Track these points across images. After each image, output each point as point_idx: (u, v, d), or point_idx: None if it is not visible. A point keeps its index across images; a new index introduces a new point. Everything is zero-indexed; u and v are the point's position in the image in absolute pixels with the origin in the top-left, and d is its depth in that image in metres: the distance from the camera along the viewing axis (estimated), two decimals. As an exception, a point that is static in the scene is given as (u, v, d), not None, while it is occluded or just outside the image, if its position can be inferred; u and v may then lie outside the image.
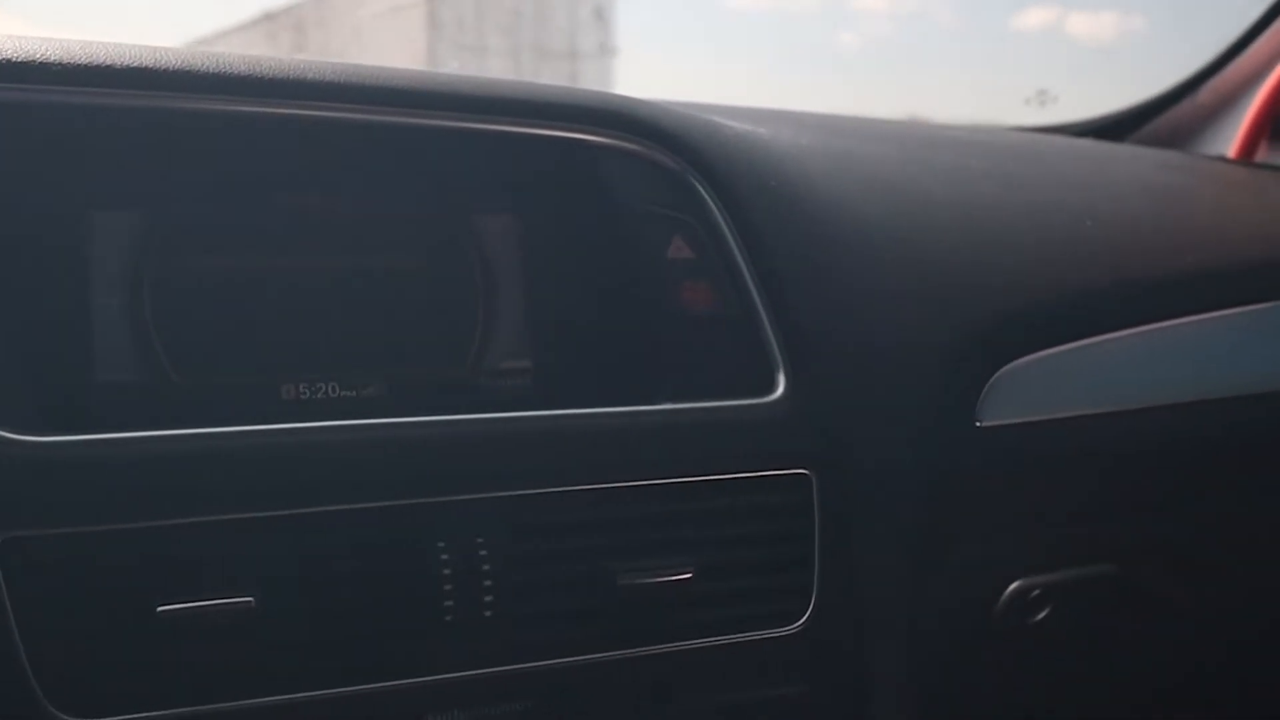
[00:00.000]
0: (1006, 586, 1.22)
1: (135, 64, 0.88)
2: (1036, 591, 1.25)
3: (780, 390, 1.01)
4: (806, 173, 1.15)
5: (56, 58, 0.86)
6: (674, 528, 0.95)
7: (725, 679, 0.95)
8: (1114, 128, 1.99)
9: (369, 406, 0.96)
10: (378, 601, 0.86)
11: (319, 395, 0.95)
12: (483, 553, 0.89)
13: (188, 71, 0.89)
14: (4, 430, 0.79)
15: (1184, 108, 1.99)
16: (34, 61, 0.85)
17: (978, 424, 1.12)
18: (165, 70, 0.88)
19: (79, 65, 0.86)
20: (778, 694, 0.97)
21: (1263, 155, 1.92)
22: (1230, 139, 1.93)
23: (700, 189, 1.03)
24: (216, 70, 0.90)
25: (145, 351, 0.91)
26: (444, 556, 0.88)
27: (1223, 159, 1.84)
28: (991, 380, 1.14)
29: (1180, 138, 1.98)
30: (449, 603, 0.87)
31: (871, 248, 1.13)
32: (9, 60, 0.85)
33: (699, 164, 1.03)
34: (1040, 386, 1.17)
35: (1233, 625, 1.44)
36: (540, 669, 0.90)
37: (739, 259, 1.02)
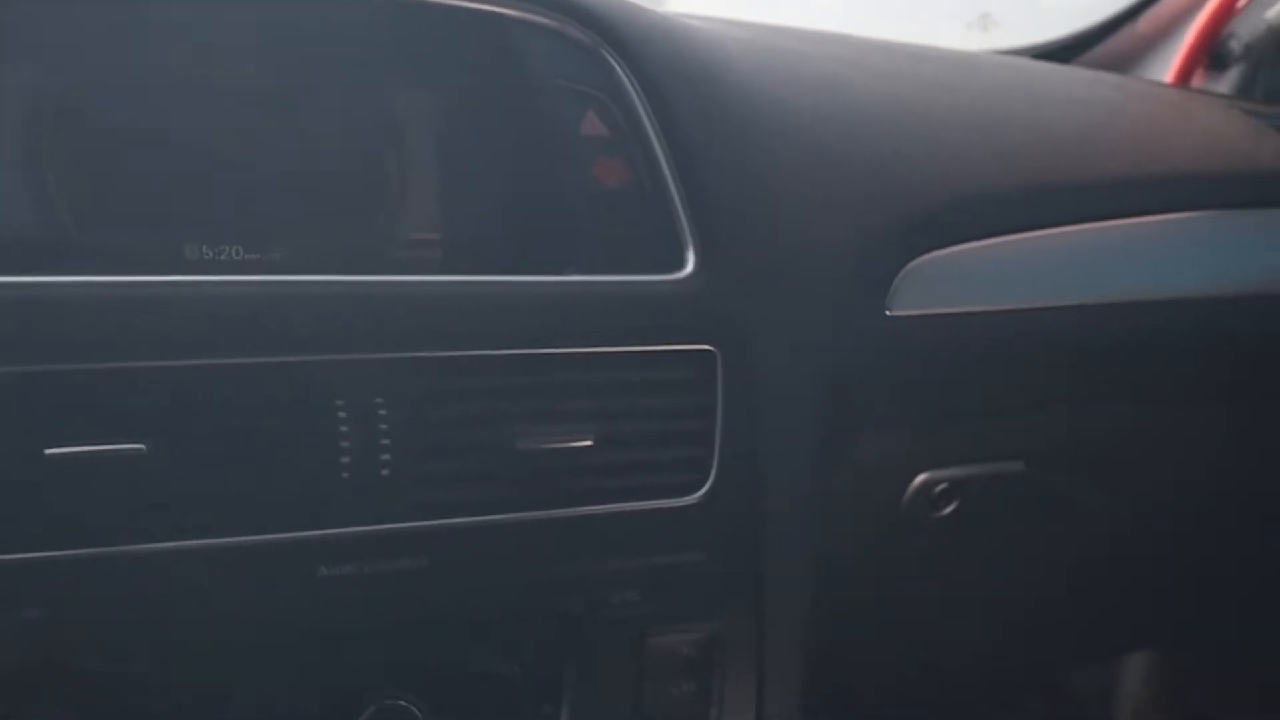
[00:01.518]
0: (913, 479, 1.23)
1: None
2: (944, 485, 1.26)
3: (689, 268, 1.00)
4: (730, 59, 1.14)
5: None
6: (577, 397, 0.95)
7: (623, 545, 0.95)
8: (1054, 54, 1.99)
9: (273, 270, 0.94)
10: (272, 456, 0.85)
11: (222, 257, 0.93)
12: (382, 412, 0.88)
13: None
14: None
15: (1123, 36, 1.99)
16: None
17: (888, 313, 1.13)
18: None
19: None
20: (676, 561, 0.97)
21: (1198, 83, 1.93)
22: (1168, 67, 1.93)
23: (615, 65, 1.01)
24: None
25: (44, 204, 0.89)
26: (341, 414, 0.87)
27: (1158, 83, 1.84)
28: (904, 271, 1.14)
29: (1119, 65, 1.98)
30: (345, 459, 0.87)
31: (792, 136, 1.12)
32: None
33: (615, 41, 1.02)
34: (952, 280, 1.17)
35: (1140, 525, 1.46)
36: (437, 528, 0.89)
37: (652, 136, 1.01)
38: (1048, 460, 1.32)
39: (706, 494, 0.98)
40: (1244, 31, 1.87)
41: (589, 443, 0.94)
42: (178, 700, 0.86)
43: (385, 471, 0.88)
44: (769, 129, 1.10)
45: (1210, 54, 1.93)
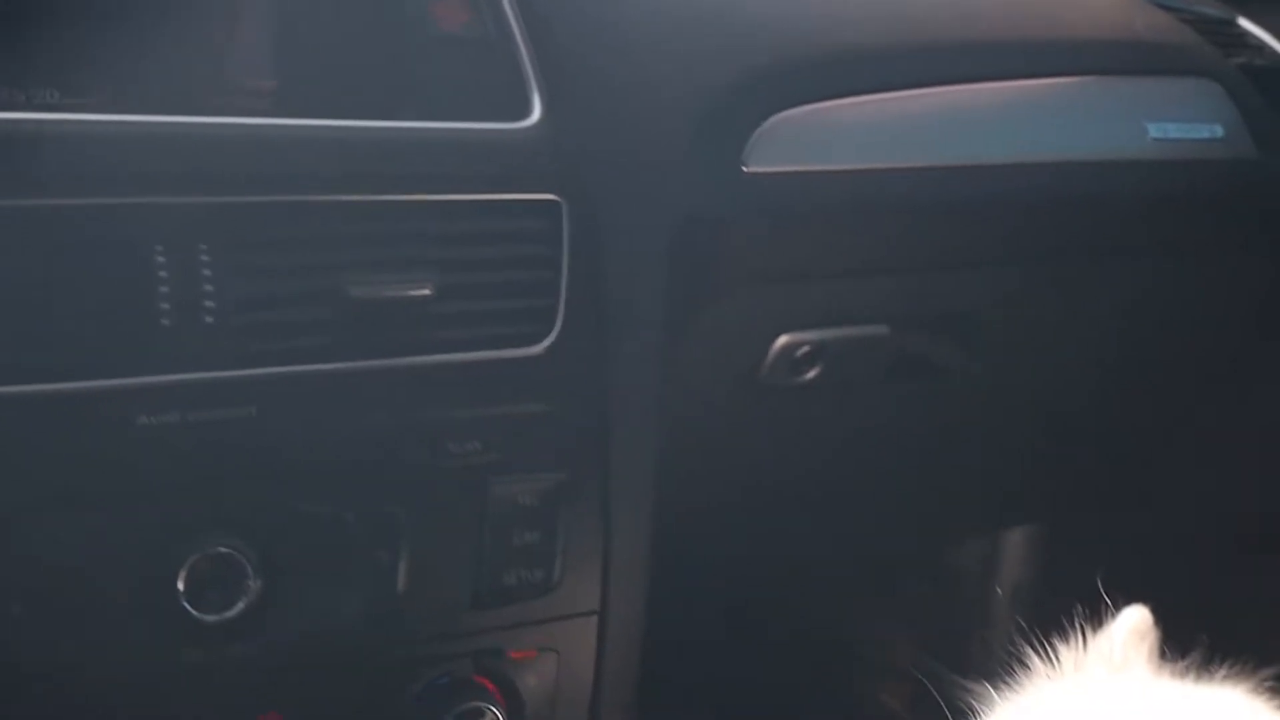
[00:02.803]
0: (774, 341, 1.22)
1: None
2: (805, 348, 1.25)
3: (535, 115, 0.97)
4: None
5: None
6: (414, 246, 0.92)
7: (465, 394, 0.93)
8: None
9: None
10: (89, 300, 0.81)
11: (37, 101, 0.89)
12: (205, 258, 0.85)
13: None
14: None
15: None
16: None
17: (744, 169, 1.11)
18: None
19: None
20: (519, 411, 0.95)
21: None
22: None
23: (456, -97, 0.98)
24: None
25: None
26: (161, 259, 0.83)
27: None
28: (762, 127, 1.11)
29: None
30: (165, 306, 0.83)
31: (647, -14, 1.09)
32: None
33: (455, -123, 0.98)
34: (814, 138, 1.15)
35: (1011, 394, 1.47)
36: (265, 377, 0.86)
37: (495, -23, 0.98)
38: (912, 324, 1.32)
39: (551, 345, 0.96)
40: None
41: (427, 292, 0.91)
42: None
43: (209, 319, 0.84)
44: (623, -22, 1.07)
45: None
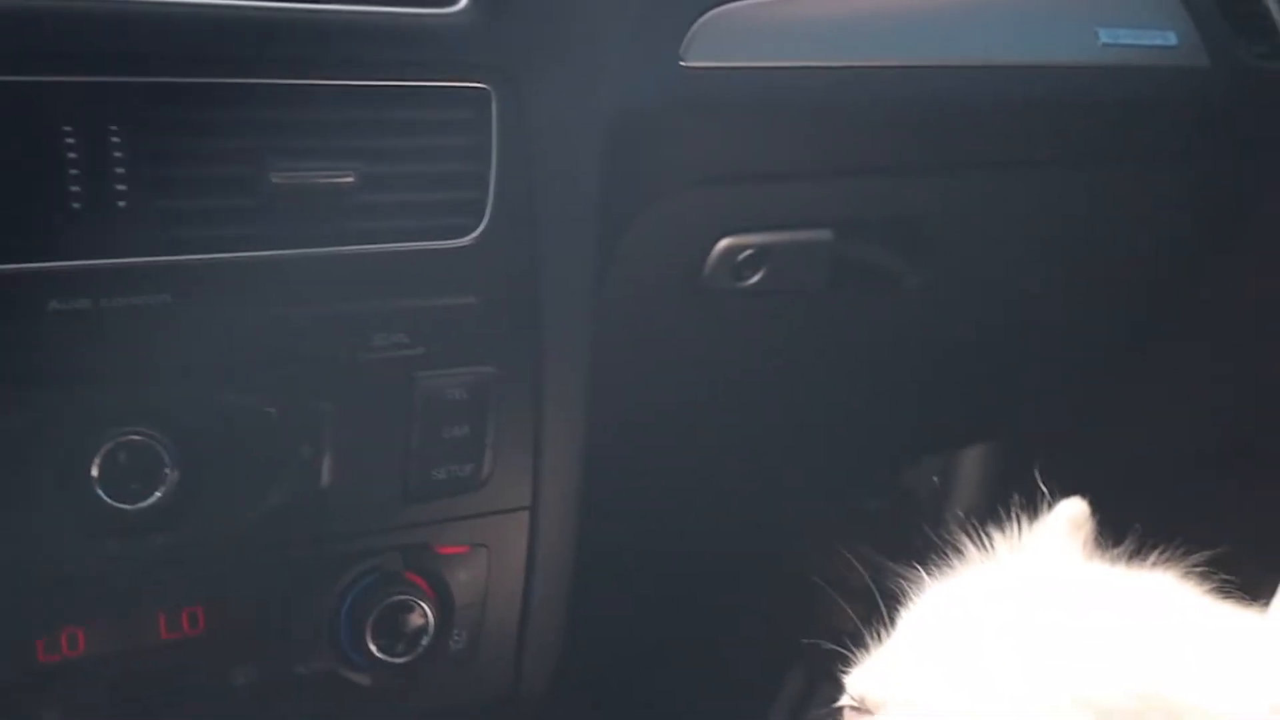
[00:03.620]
0: (716, 243, 1.21)
1: None
2: (749, 252, 1.23)
3: (464, 1, 0.95)
4: None
5: None
6: (338, 133, 0.89)
7: (390, 286, 0.90)
8: None
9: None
10: (-3, 183, 0.79)
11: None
12: (116, 140, 0.82)
13: None
14: None
15: None
16: None
17: (681, 64, 1.08)
18: None
19: None
20: (446, 304, 0.93)
21: None
22: None
23: None
24: None
25: None
26: (70, 141, 0.80)
27: None
28: (702, 19, 1.08)
29: None
30: (75, 188, 0.80)
31: None
32: None
33: None
34: (751, 32, 1.12)
35: (961, 305, 1.45)
36: (182, 264, 0.84)
37: None
38: (857, 230, 1.30)
39: (479, 237, 0.93)
40: None
41: (350, 180, 0.88)
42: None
43: (121, 203, 0.82)
44: None
45: None
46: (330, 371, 0.89)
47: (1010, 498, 0.94)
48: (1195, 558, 0.87)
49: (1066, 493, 0.97)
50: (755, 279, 1.24)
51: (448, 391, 0.92)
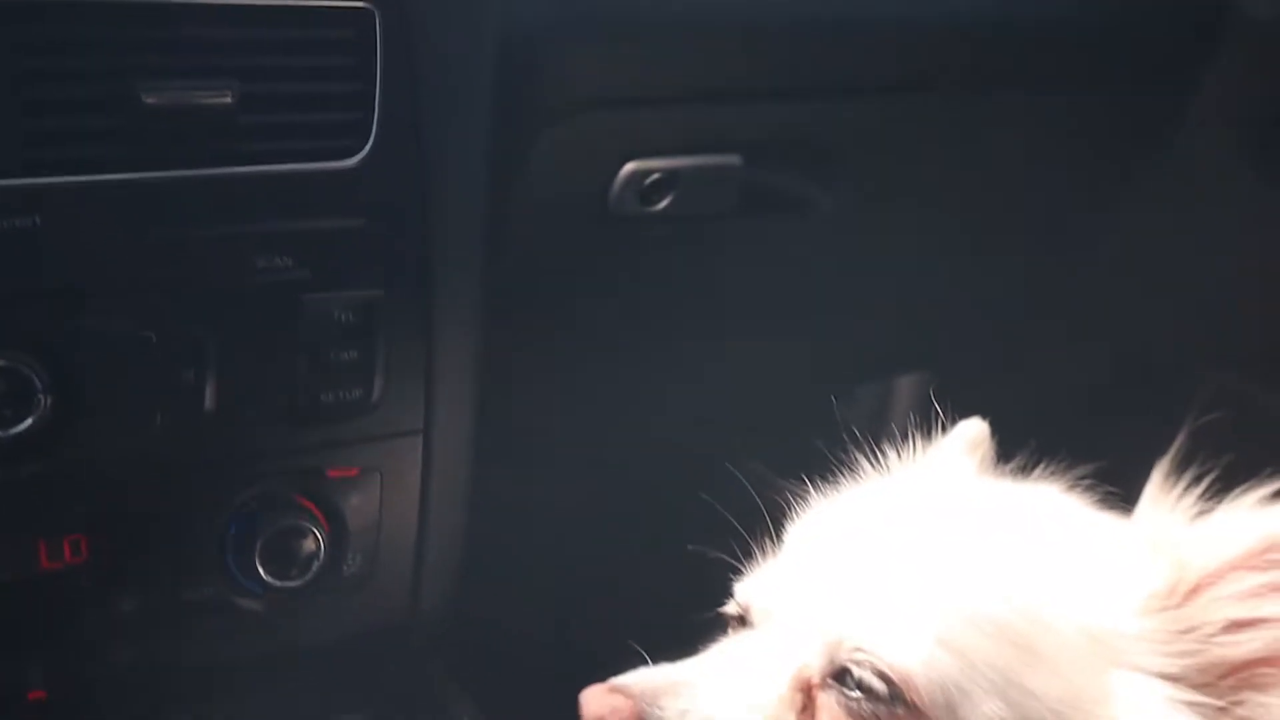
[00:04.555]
0: (621, 167, 1.18)
1: None
2: (656, 176, 1.21)
3: (343, -82, 0.92)
4: None
5: None
6: (214, 52, 0.86)
7: (273, 208, 0.88)
8: None
9: None
10: None
11: None
12: (-21, 59, 0.79)
13: None
14: None
15: None
16: None
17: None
18: None
19: None
20: (332, 226, 0.90)
21: None
22: None
23: None
24: None
25: None
26: (-74, 59, 0.78)
27: None
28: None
29: None
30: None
31: None
32: None
33: None
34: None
35: (875, 229, 1.44)
36: (50, 186, 0.81)
37: None
38: (765, 155, 1.28)
39: (365, 159, 0.91)
40: None
41: (228, 101, 0.86)
42: None
43: (-15, 125, 0.79)
44: None
45: None
46: (212, 295, 0.87)
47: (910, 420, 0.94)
48: (1080, 471, 0.87)
49: (979, 417, 0.96)
50: (664, 204, 1.23)
51: (335, 315, 0.91)
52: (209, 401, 0.88)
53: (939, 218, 1.48)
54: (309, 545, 0.91)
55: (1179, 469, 0.72)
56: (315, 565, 0.91)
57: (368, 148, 0.91)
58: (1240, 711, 0.65)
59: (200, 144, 0.86)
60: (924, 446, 0.93)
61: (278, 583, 0.90)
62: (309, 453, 0.92)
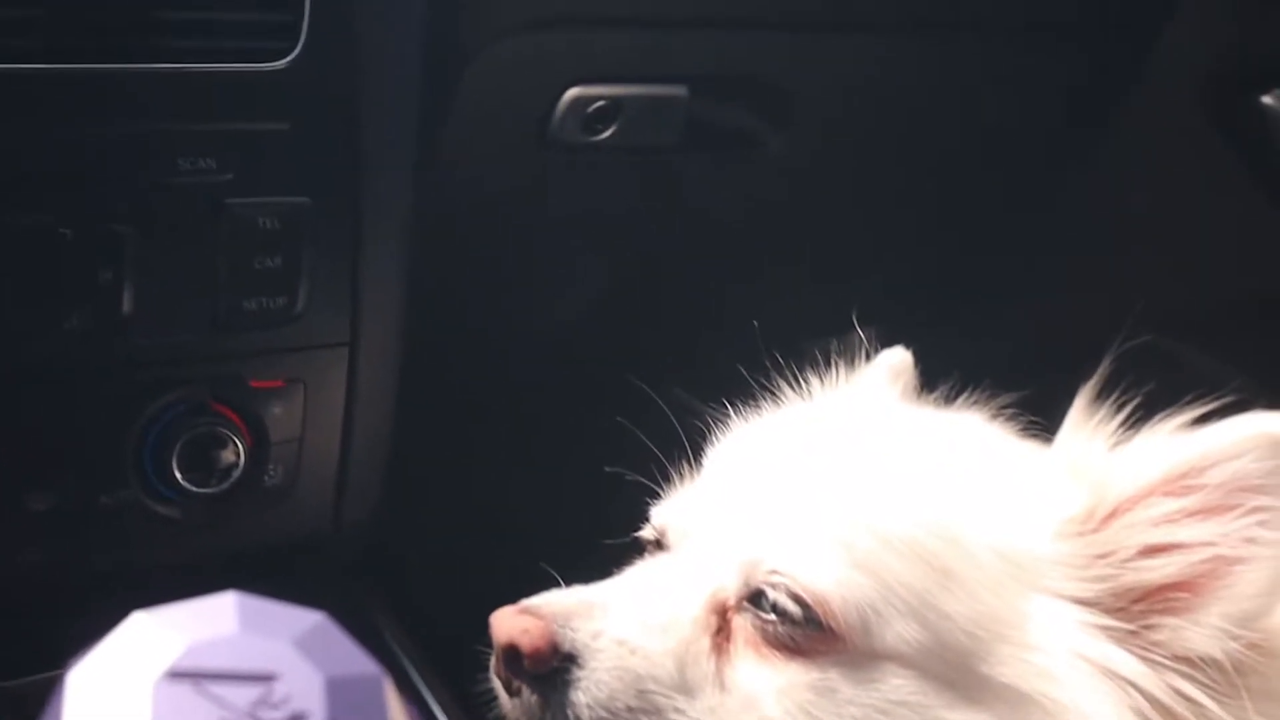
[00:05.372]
0: (563, 93, 1.15)
1: None
2: (600, 103, 1.18)
3: None
4: None
5: None
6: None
7: (198, 108, 0.85)
8: None
9: None
10: None
11: None
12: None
13: None
14: None
15: None
16: None
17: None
18: None
19: None
20: (258, 129, 0.87)
21: None
22: None
23: None
24: None
25: None
26: None
27: None
28: None
29: None
30: None
31: None
32: None
33: None
34: None
35: (824, 167, 1.41)
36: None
37: None
38: (712, 87, 1.25)
39: (294, 61, 0.88)
40: None
41: (155, -2, 0.82)
42: None
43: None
44: None
45: None
46: (132, 194, 0.84)
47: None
48: (1003, 401, 0.86)
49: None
50: (607, 133, 1.20)
51: (259, 220, 0.88)
52: (127, 304, 0.84)
53: (890, 165, 1.46)
54: (228, 454, 0.89)
55: (1100, 398, 0.71)
56: (235, 474, 0.89)
57: (297, 50, 0.88)
58: (1153, 636, 0.65)
59: (121, 38, 0.82)
60: (847, 374, 0.92)
61: (195, 489, 0.87)
62: (230, 361, 0.90)
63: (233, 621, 0.48)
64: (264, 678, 0.45)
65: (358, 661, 0.49)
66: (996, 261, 1.71)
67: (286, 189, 0.88)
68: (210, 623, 0.49)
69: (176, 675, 0.46)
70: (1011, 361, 1.71)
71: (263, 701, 0.45)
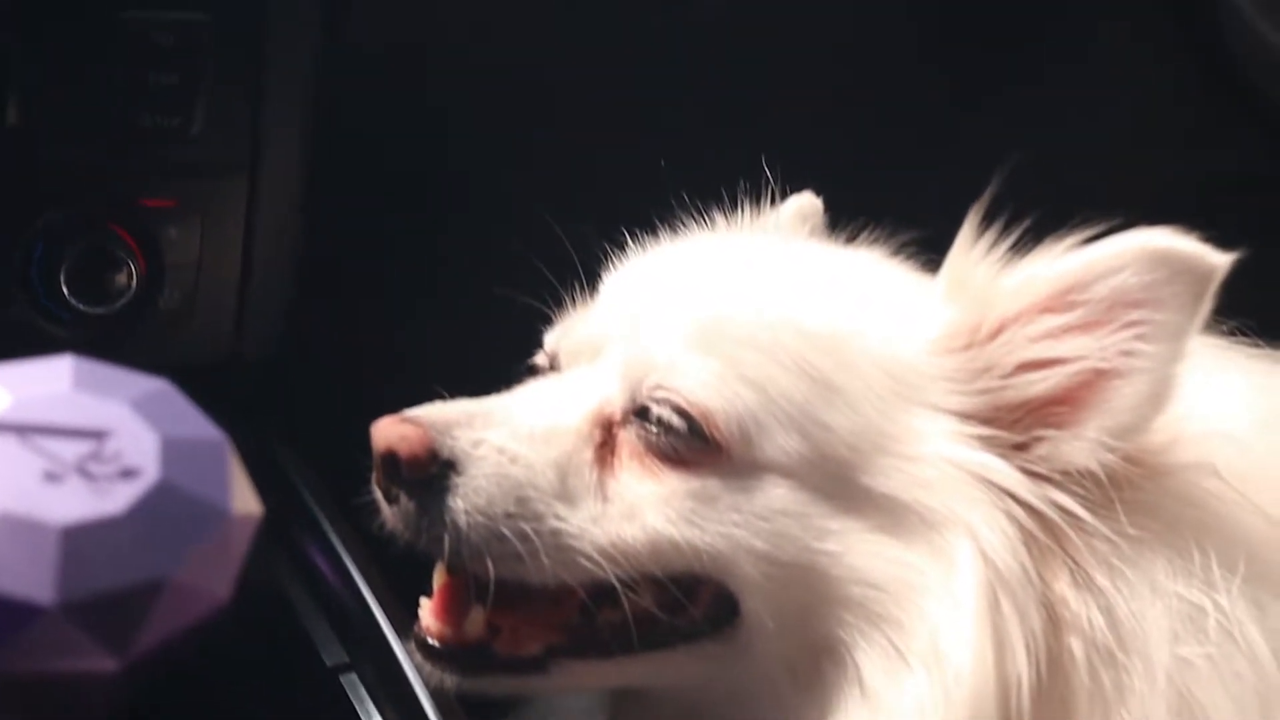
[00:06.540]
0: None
1: None
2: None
3: None
4: None
5: None
6: None
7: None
8: None
9: None
10: None
11: None
12: None
13: None
14: None
15: None
16: None
17: None
18: None
19: None
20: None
21: None
22: None
23: None
24: None
25: None
26: None
27: None
28: None
29: None
30: None
31: None
32: None
33: None
34: None
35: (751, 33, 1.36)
36: None
37: None
38: None
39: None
40: None
41: None
42: None
43: None
44: None
45: None
46: (20, 2, 0.79)
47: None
48: (902, 237, 0.84)
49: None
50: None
51: (155, 35, 0.83)
52: (12, 114, 0.80)
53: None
54: (121, 275, 0.85)
55: (989, 219, 0.70)
56: (127, 295, 0.85)
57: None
58: (1033, 450, 0.64)
59: None
60: (753, 215, 0.89)
61: (85, 308, 0.84)
62: (123, 179, 0.86)
63: (66, 381, 0.46)
64: (95, 433, 0.43)
65: (198, 425, 0.47)
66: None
67: (185, 3, 0.83)
68: (42, 381, 0.47)
69: (1, 427, 0.43)
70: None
71: (93, 456, 0.43)
